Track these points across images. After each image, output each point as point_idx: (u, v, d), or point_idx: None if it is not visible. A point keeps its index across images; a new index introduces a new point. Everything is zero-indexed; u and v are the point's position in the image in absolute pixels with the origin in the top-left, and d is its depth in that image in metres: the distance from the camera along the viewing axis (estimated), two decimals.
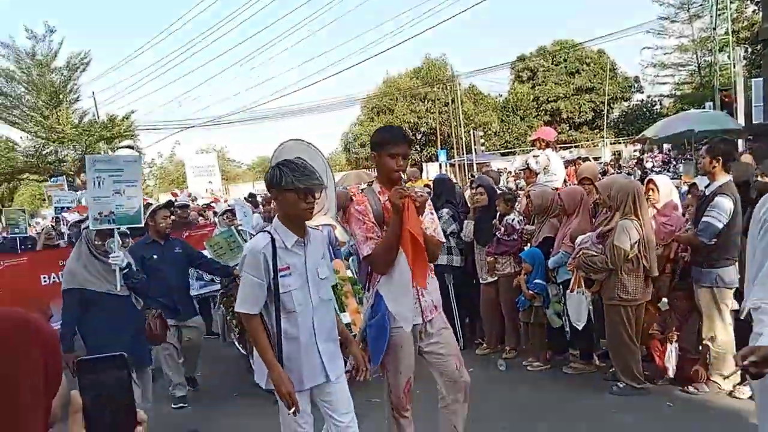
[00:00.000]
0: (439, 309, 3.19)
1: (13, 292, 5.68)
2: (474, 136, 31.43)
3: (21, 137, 28.87)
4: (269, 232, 2.80)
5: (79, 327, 4.12)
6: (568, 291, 4.81)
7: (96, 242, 4.18)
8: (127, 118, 30.08)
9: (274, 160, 4.93)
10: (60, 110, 27.49)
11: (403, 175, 3.06)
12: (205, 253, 5.84)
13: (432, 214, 3.21)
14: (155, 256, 4.97)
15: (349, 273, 5.33)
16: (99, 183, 4.24)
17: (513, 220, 5.63)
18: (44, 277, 5.89)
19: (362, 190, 4.05)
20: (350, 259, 5.62)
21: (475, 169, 26.53)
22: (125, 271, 4.17)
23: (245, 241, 6.13)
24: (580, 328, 4.76)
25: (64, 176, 24.90)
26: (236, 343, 6.21)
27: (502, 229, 5.61)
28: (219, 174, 28.04)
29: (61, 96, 27.94)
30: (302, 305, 2.77)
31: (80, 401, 0.89)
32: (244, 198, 11.79)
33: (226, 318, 6.51)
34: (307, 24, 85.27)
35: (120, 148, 31.69)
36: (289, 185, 2.68)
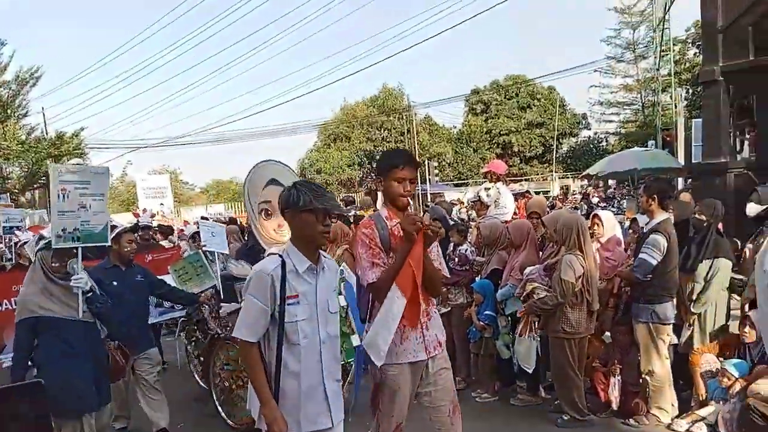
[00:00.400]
0: (443, 345, 3.02)
1: None
2: (428, 166, 31.87)
3: None
4: (280, 255, 2.59)
5: (34, 357, 3.76)
6: (517, 335, 4.93)
7: (53, 264, 3.80)
8: (76, 136, 29.34)
9: (250, 180, 4.74)
10: (7, 125, 26.62)
11: (410, 201, 2.96)
12: (168, 279, 5.55)
13: (437, 247, 3.11)
14: (115, 283, 4.56)
15: None
16: (64, 196, 3.85)
17: (466, 250, 5.78)
18: None
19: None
20: None
21: (429, 199, 26.86)
22: (89, 294, 3.82)
23: (213, 262, 5.83)
24: (530, 371, 4.88)
25: (8, 194, 24.01)
26: (196, 375, 6.02)
27: (456, 259, 5.74)
28: (171, 196, 27.47)
29: (8, 111, 27.11)
30: (308, 339, 2.55)
31: None
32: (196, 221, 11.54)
33: (186, 348, 6.25)
34: (266, 48, 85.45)
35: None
36: (307, 205, 2.50)
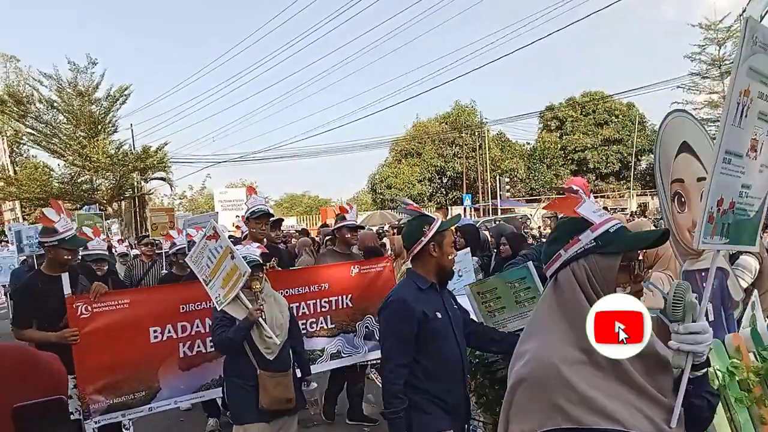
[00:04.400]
0: None
1: (108, 349, 3.76)
2: (500, 181, 31.54)
3: (58, 164, 29.88)
4: None
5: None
6: None
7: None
8: (160, 150, 30.90)
9: (661, 142, 2.73)
10: (98, 140, 28.37)
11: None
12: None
13: None
14: (439, 314, 2.76)
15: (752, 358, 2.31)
16: (743, 110, 1.61)
17: None
18: (155, 331, 3.98)
19: None
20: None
21: (499, 214, 26.55)
22: None
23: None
24: None
25: (97, 204, 25.50)
26: None
27: None
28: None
29: (99, 127, 28.90)
30: None
31: None
32: None
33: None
34: (341, 67, 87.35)
35: (153, 179, 32.51)
36: None
